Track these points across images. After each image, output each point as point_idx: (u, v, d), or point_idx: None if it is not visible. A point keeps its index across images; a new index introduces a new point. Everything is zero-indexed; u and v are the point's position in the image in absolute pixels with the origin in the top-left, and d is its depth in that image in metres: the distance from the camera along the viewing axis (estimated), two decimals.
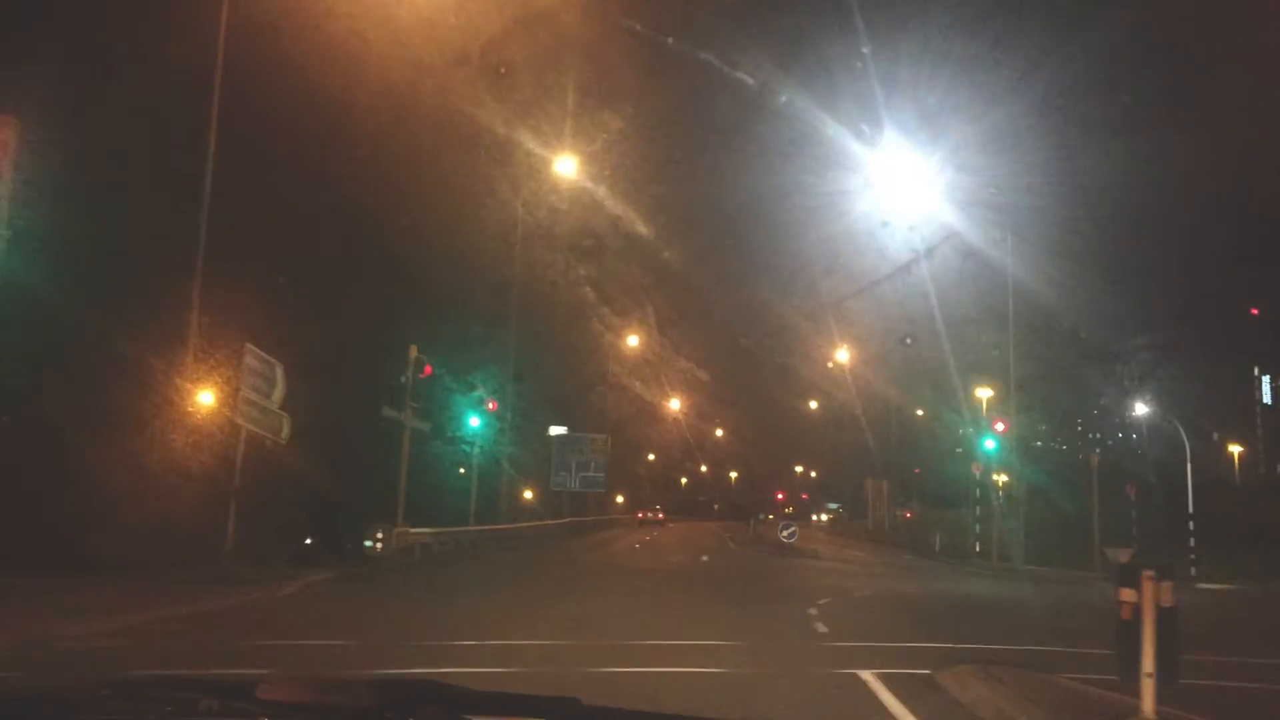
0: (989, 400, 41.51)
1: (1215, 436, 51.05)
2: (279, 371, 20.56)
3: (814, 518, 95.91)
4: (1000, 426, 34.75)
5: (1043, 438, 40.21)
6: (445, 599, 15.83)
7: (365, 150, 27.48)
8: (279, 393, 20.54)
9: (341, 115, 25.99)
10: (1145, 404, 43.74)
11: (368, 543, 22.61)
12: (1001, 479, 39.05)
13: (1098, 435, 41.68)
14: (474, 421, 32.82)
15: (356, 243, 28.52)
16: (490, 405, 33.53)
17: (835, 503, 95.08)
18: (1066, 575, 31.97)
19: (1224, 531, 33.69)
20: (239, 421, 18.91)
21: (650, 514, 79.93)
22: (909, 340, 37.73)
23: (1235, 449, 54.41)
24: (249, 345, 19.24)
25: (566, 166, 37.57)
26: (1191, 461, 38.42)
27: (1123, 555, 34.06)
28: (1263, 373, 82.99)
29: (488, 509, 37.01)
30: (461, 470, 35.03)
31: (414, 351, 25.16)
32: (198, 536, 18.68)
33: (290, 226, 24.32)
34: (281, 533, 20.18)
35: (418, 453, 31.04)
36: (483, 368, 35.11)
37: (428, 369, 25.23)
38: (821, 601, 16.81)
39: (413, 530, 23.90)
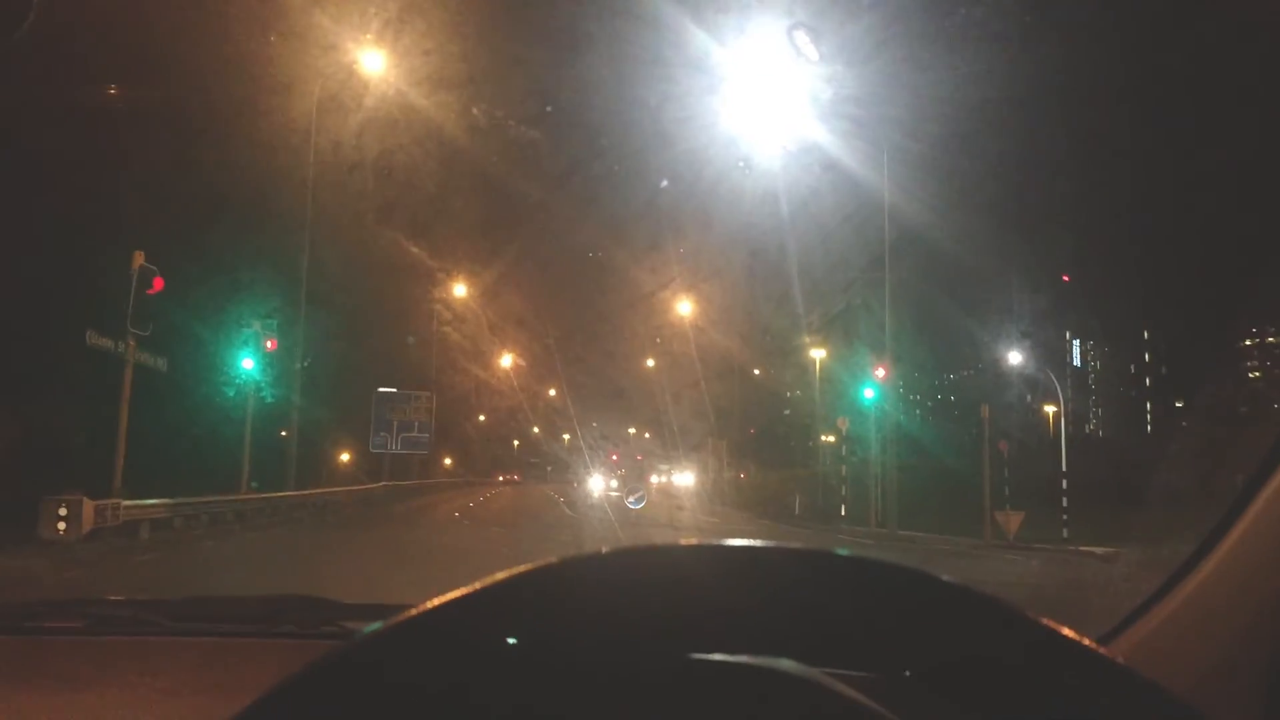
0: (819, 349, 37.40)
1: (1029, 398, 50.70)
2: None
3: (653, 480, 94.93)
4: (881, 373, 30.00)
5: (914, 387, 36.21)
6: None
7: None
8: None
9: None
10: (1021, 354, 40.54)
11: (61, 525, 15.68)
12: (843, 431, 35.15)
13: (969, 381, 38.04)
14: (246, 364, 25.76)
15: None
16: (269, 344, 26.47)
17: (666, 464, 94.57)
18: (957, 543, 27.85)
19: (1087, 492, 30.48)
20: None
21: (507, 476, 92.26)
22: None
23: (1050, 409, 54.15)
24: None
25: (373, 62, 30.98)
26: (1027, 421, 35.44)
27: (1013, 521, 30.97)
28: (1073, 338, 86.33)
29: (276, 473, 30.42)
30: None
31: (139, 259, 18.04)
32: None
33: None
34: None
35: (178, 403, 24.70)
36: (265, 300, 28.10)
37: (157, 282, 18.23)
38: None
39: (126, 504, 16.97)
